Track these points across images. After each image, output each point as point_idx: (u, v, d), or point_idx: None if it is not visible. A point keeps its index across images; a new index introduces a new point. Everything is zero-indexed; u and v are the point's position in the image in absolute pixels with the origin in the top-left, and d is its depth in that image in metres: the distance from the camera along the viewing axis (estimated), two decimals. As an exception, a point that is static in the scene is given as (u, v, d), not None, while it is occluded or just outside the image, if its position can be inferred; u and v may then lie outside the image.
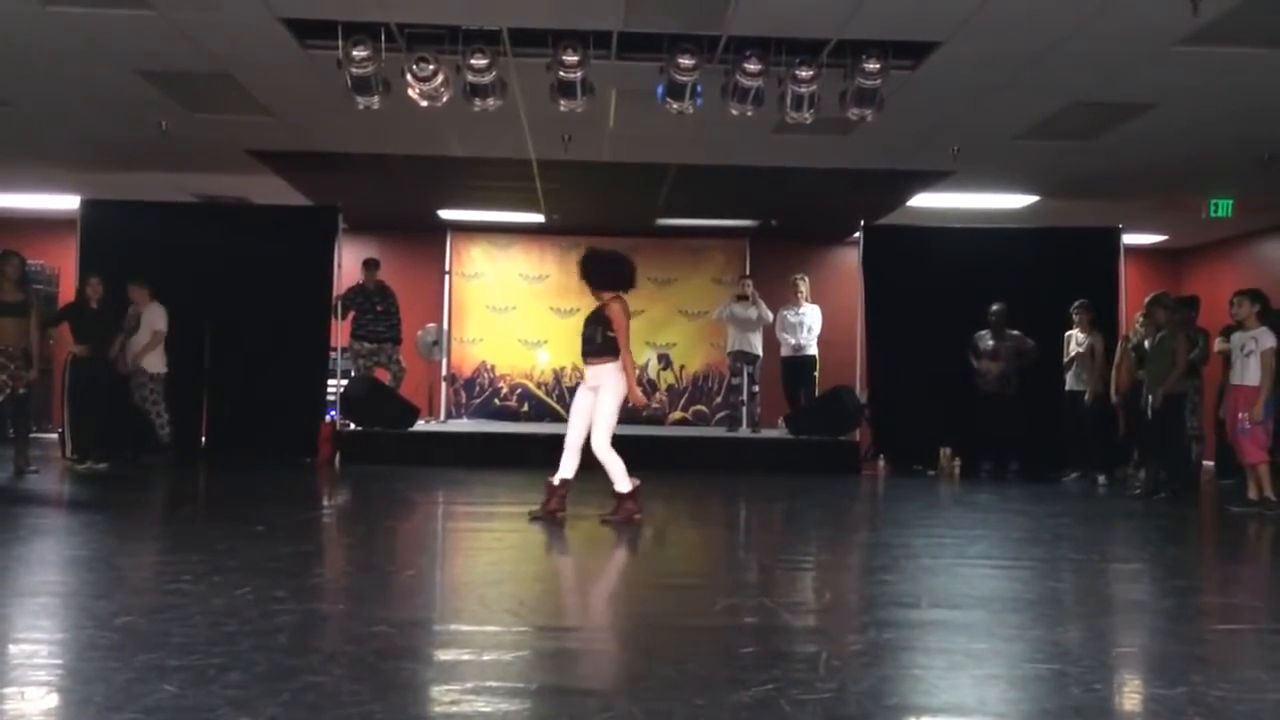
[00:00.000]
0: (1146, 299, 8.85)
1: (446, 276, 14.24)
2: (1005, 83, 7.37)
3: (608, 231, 12.70)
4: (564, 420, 6.65)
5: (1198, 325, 9.54)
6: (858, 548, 6.19)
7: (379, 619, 3.65)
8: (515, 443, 10.84)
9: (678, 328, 14.25)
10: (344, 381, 11.07)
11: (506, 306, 14.24)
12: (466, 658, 3.26)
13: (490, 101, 7.05)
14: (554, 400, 13.85)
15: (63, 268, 12.78)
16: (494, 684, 2.94)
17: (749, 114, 7.14)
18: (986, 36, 6.47)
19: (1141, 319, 8.93)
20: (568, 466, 6.39)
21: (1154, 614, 4.31)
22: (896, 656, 3.39)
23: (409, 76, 6.73)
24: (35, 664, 3.06)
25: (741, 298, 11.35)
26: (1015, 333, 10.28)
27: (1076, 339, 10.01)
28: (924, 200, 11.39)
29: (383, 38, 6.60)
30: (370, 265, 11.14)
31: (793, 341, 11.27)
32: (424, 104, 7.01)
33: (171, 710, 2.59)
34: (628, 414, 6.64)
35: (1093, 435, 9.89)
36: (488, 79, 6.81)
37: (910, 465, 10.77)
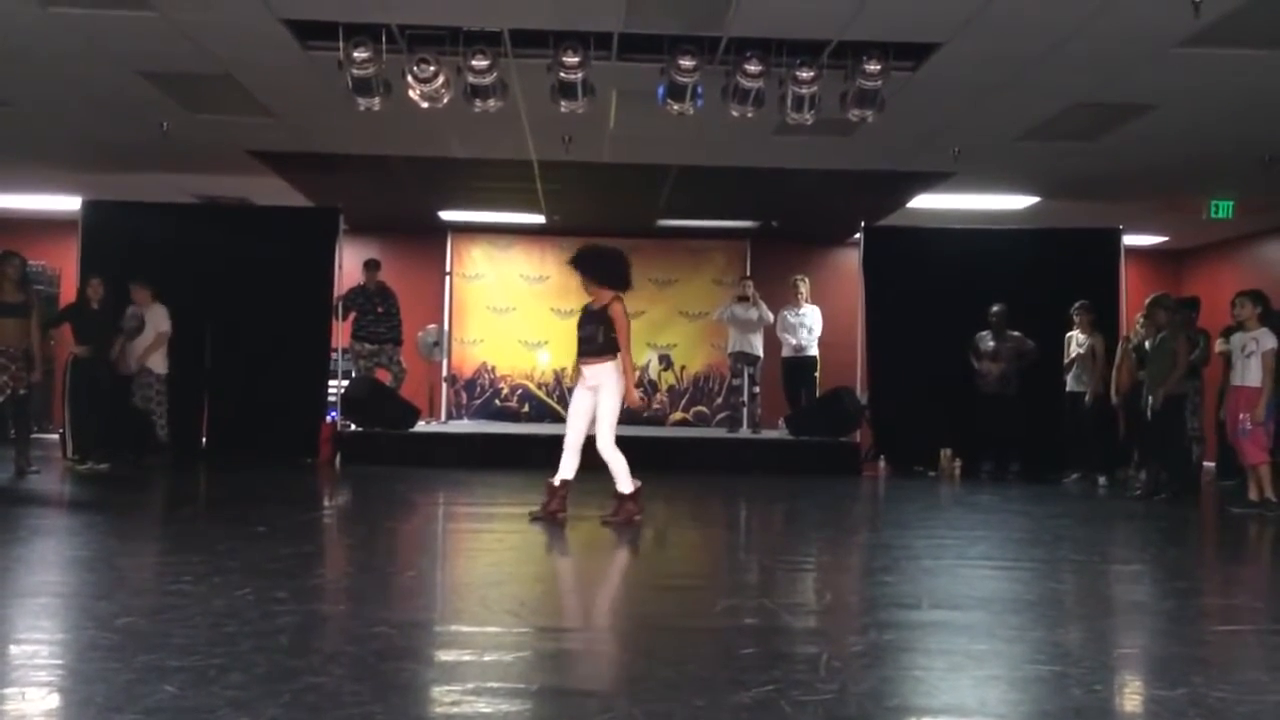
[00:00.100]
0: (1147, 300, 8.85)
1: (447, 277, 14.25)
2: (1006, 84, 7.37)
3: (608, 232, 12.66)
4: (564, 421, 6.64)
5: (1198, 326, 9.55)
6: (858, 549, 6.19)
7: (380, 620, 3.65)
8: (516, 444, 10.83)
9: (678, 329, 14.25)
10: (345, 382, 11.08)
11: (507, 307, 14.25)
12: (467, 659, 3.26)
13: (491, 103, 7.05)
14: (554, 401, 13.84)
15: (64, 268, 12.78)
16: (495, 685, 2.94)
17: (749, 115, 7.14)
18: (987, 38, 6.47)
19: (1142, 320, 8.93)
20: (568, 467, 6.39)
21: (1155, 615, 4.31)
22: (897, 658, 3.38)
23: (410, 77, 6.73)
24: (36, 664, 3.06)
25: (742, 299, 11.35)
26: (1016, 334, 10.28)
27: (1077, 340, 10.01)
28: (924, 201, 11.39)
29: (384, 39, 6.61)
30: (371, 266, 11.15)
31: (793, 342, 11.26)
32: (425, 105, 7.01)
33: (172, 711, 2.59)
34: (628, 414, 6.64)
35: (1093, 436, 9.89)
36: (488, 80, 6.81)
37: (911, 466, 10.76)
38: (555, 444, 6.53)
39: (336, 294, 10.82)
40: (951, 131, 8.59)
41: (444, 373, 13.69)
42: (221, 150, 9.66)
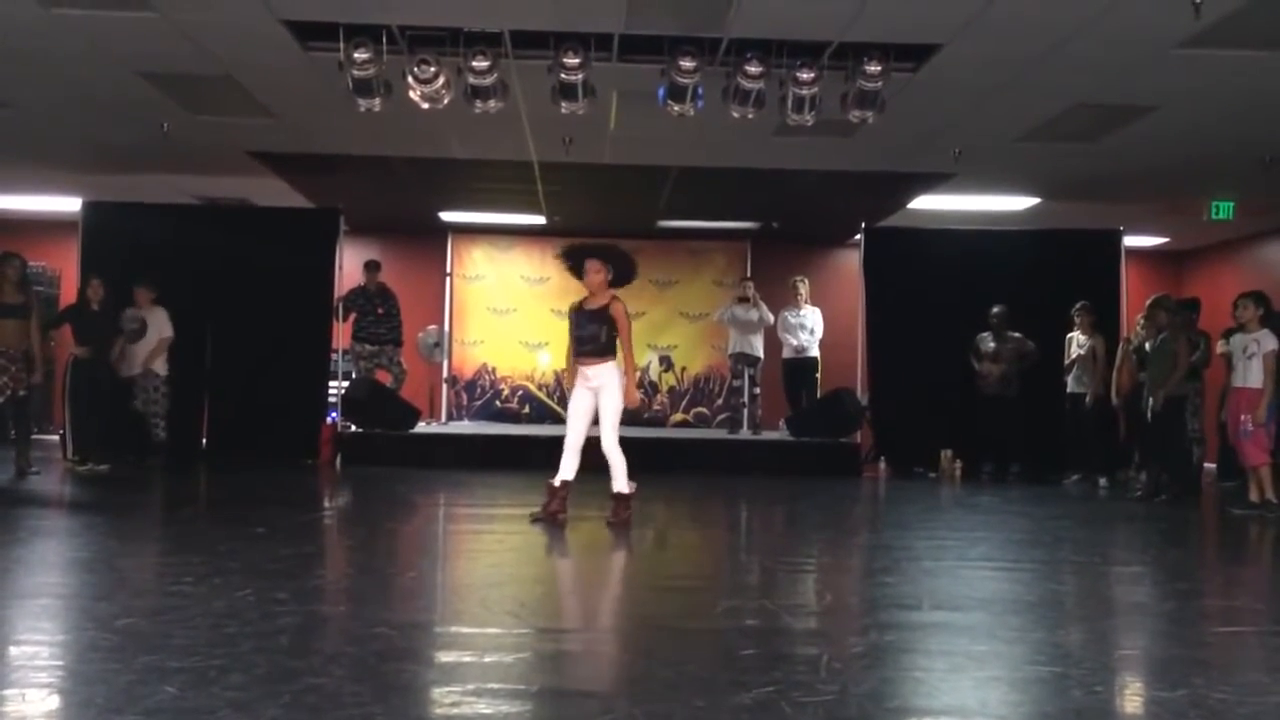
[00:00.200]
0: (1148, 301, 8.84)
1: (447, 278, 14.25)
2: (1006, 85, 7.37)
3: (609, 233, 12.61)
4: (565, 422, 6.65)
5: (1199, 328, 9.54)
6: (859, 550, 6.19)
7: (380, 621, 3.65)
8: (516, 445, 10.84)
9: (679, 330, 14.25)
10: (345, 383, 11.08)
11: (507, 308, 14.25)
12: (467, 660, 3.26)
13: (491, 103, 7.05)
14: (555, 402, 13.83)
15: (64, 269, 12.79)
16: (495, 686, 2.94)
17: (750, 116, 7.14)
18: (988, 39, 6.47)
19: (1143, 321, 8.92)
20: (568, 468, 6.39)
21: (1155, 616, 4.30)
22: (898, 659, 3.38)
23: (410, 78, 6.73)
24: (36, 665, 3.06)
25: (743, 300, 11.35)
26: (1016, 335, 10.28)
27: (1078, 341, 10.01)
28: (925, 202, 11.39)
29: (384, 40, 6.60)
30: (371, 267, 11.15)
31: (794, 343, 11.26)
32: (425, 106, 7.01)
33: (172, 712, 2.59)
34: (628, 415, 6.64)
35: (1094, 437, 9.89)
36: (489, 81, 6.81)
37: (911, 467, 10.75)
38: (555, 445, 6.54)
39: (337, 295, 10.82)
40: (952, 132, 8.59)
41: (444, 374, 13.69)
42: (222, 151, 9.66)
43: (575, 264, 6.45)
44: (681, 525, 7.36)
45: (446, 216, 13.29)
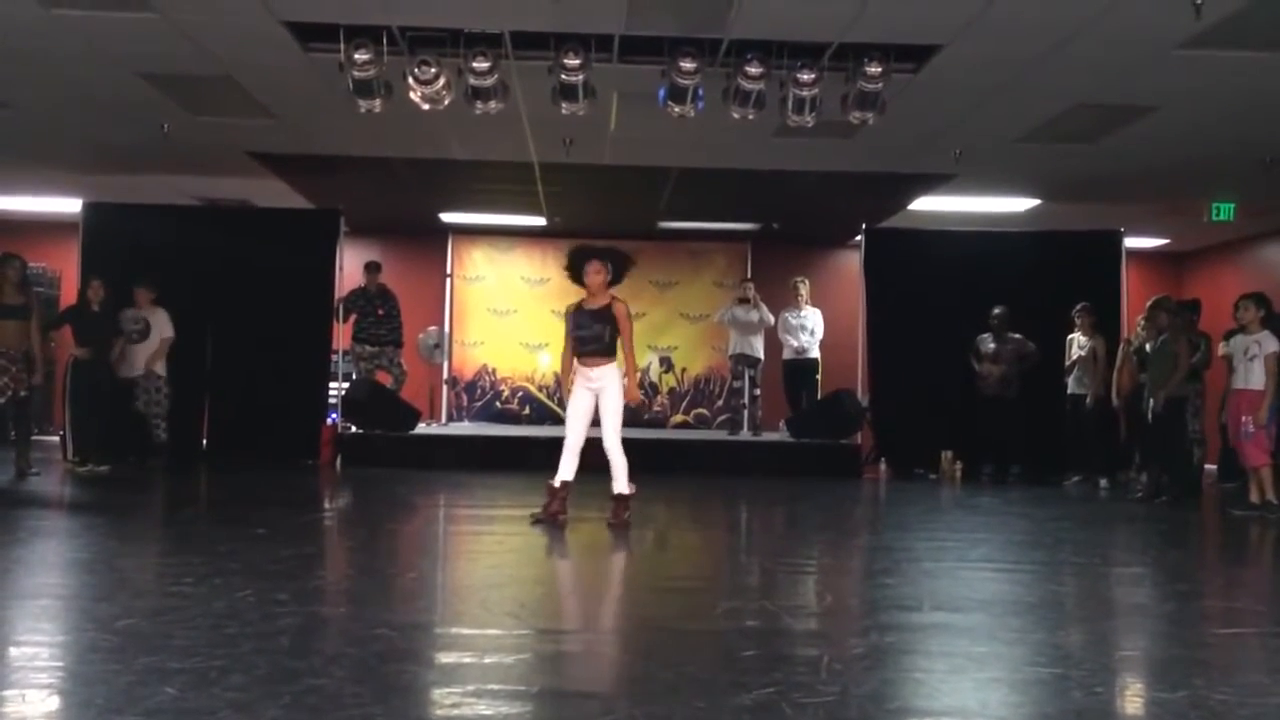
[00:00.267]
0: (1148, 302, 8.84)
1: (448, 279, 14.26)
2: (1007, 86, 7.37)
3: (609, 235, 12.64)
4: (565, 423, 6.65)
5: (1199, 329, 9.54)
6: (859, 551, 6.19)
7: (380, 622, 3.65)
8: (516, 445, 10.84)
9: (679, 331, 14.26)
10: (345, 384, 11.08)
11: (508, 309, 14.25)
12: (468, 661, 3.25)
13: (492, 104, 7.06)
14: (555, 403, 13.83)
15: (64, 270, 12.79)
16: (495, 687, 2.94)
17: (750, 117, 7.15)
18: (988, 39, 6.47)
19: (1143, 322, 8.92)
20: (568, 469, 6.40)
21: (1156, 618, 4.30)
22: (898, 660, 3.38)
23: (410, 79, 6.74)
24: (36, 666, 3.06)
25: (743, 301, 11.34)
26: (1017, 336, 10.27)
27: (1078, 342, 10.01)
28: (926, 203, 11.40)
29: (384, 41, 6.61)
30: (372, 268, 11.15)
31: (795, 344, 11.25)
32: (425, 107, 7.02)
33: (173, 713, 2.59)
34: (628, 416, 6.64)
35: (1094, 439, 9.89)
36: (489, 82, 6.82)
37: (912, 468, 10.75)
38: (556, 446, 6.53)
39: (337, 296, 10.82)
40: (952, 133, 8.59)
41: (444, 375, 13.70)
42: (222, 152, 9.67)
43: (577, 266, 6.44)
44: (682, 526, 7.36)
45: (447, 217, 13.30)
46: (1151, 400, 8.46)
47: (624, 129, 8.59)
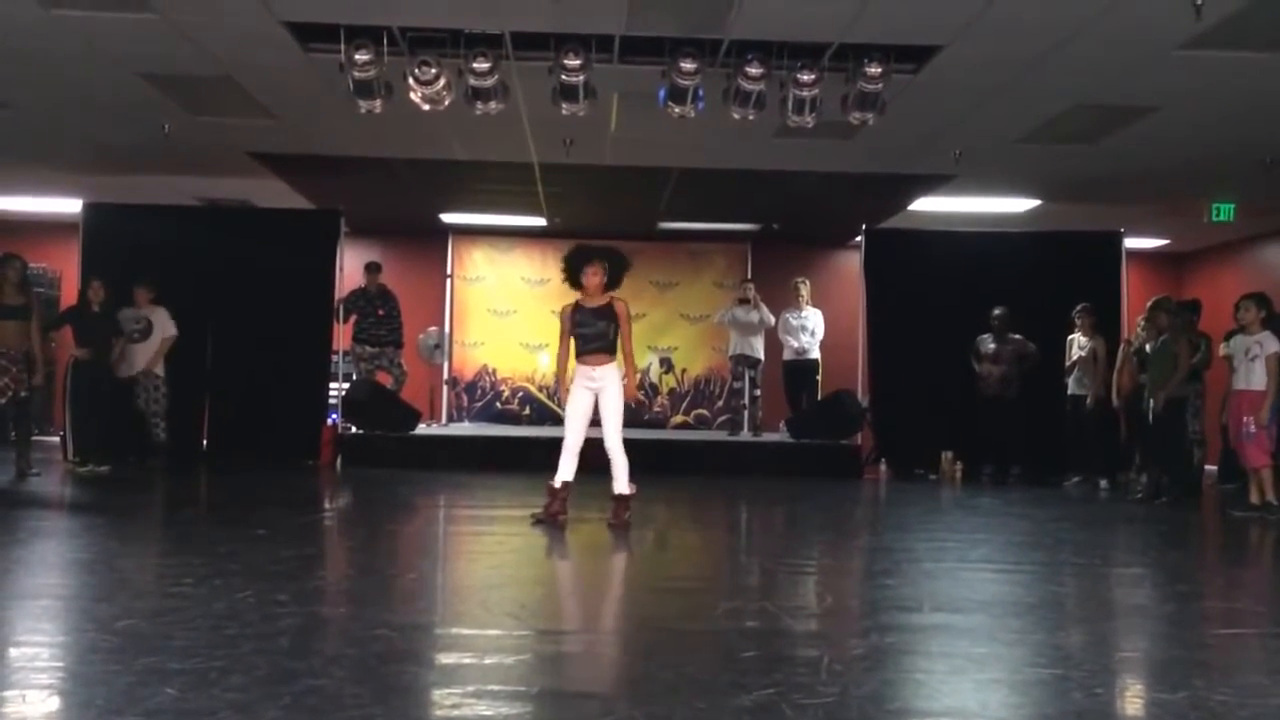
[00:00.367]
0: (1148, 303, 8.84)
1: (448, 280, 14.26)
2: (1007, 86, 7.37)
3: (609, 235, 12.67)
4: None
5: (1199, 329, 9.53)
6: (859, 552, 6.18)
7: (380, 622, 3.65)
8: (516, 446, 10.84)
9: (679, 331, 14.26)
10: (346, 385, 11.08)
11: (508, 310, 14.25)
12: (468, 661, 3.25)
13: (492, 105, 7.06)
14: (555, 404, 13.83)
15: (65, 271, 12.79)
16: (495, 687, 2.94)
17: (751, 118, 7.14)
18: (989, 40, 6.47)
19: (1143, 323, 8.92)
20: (567, 469, 6.40)
21: (1156, 619, 4.30)
22: (898, 660, 3.38)
23: (411, 80, 6.74)
24: (36, 667, 3.06)
25: (743, 301, 11.35)
26: (1017, 336, 10.27)
27: (1079, 343, 10.01)
28: (926, 204, 11.40)
29: (385, 41, 6.61)
30: (372, 269, 11.15)
31: (795, 345, 11.25)
32: (426, 107, 7.01)
33: (173, 713, 2.59)
34: (628, 416, 6.65)
35: (1095, 439, 9.89)
36: (490, 82, 6.82)
37: (912, 469, 10.75)
38: (556, 446, 6.53)
39: (337, 297, 10.82)
40: (952, 134, 8.59)
41: (445, 375, 13.70)
42: (222, 152, 9.67)
43: (575, 268, 6.44)
44: (682, 527, 7.36)
45: (447, 218, 13.30)
46: (1152, 401, 8.46)
47: (624, 129, 8.59)
